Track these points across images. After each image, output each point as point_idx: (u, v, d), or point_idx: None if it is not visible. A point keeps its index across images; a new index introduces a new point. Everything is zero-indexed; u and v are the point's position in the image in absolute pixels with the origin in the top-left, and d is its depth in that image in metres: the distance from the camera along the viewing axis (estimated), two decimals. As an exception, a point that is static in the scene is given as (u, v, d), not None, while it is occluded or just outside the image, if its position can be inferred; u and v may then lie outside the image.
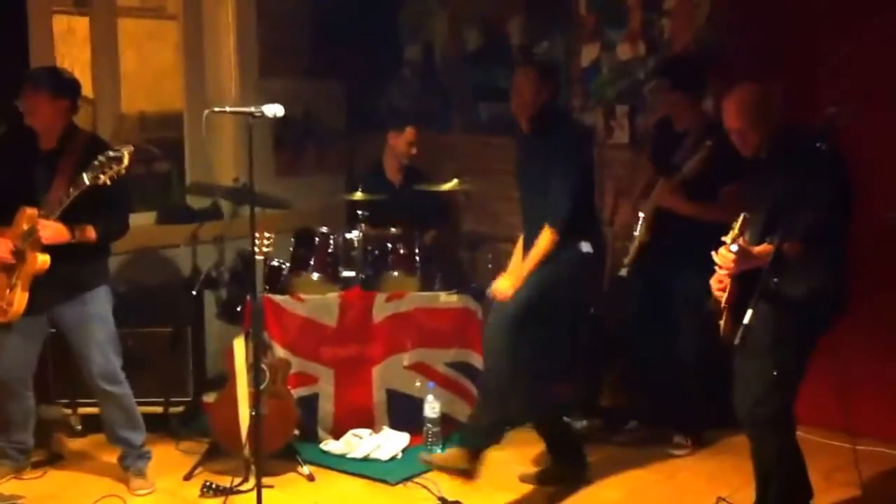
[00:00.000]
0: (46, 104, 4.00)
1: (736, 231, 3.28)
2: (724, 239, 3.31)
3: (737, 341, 3.12)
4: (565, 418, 4.45)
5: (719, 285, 3.46)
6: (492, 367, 4.21)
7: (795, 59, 4.62)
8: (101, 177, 3.77)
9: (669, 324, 4.52)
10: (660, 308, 4.54)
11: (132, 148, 3.82)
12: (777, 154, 3.41)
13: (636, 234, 4.49)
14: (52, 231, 3.88)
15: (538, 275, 4.02)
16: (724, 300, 3.41)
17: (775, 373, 3.34)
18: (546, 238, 3.99)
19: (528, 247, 4.12)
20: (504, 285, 4.09)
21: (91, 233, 3.97)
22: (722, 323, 3.44)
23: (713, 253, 3.38)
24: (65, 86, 4.06)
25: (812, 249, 3.27)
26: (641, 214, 4.49)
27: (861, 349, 4.42)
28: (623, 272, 4.68)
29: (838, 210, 3.33)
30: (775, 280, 3.21)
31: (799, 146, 3.31)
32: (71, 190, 3.84)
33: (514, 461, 4.45)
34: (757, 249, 3.29)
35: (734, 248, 3.26)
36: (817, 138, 3.27)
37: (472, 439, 4.14)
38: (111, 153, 3.78)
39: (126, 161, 3.76)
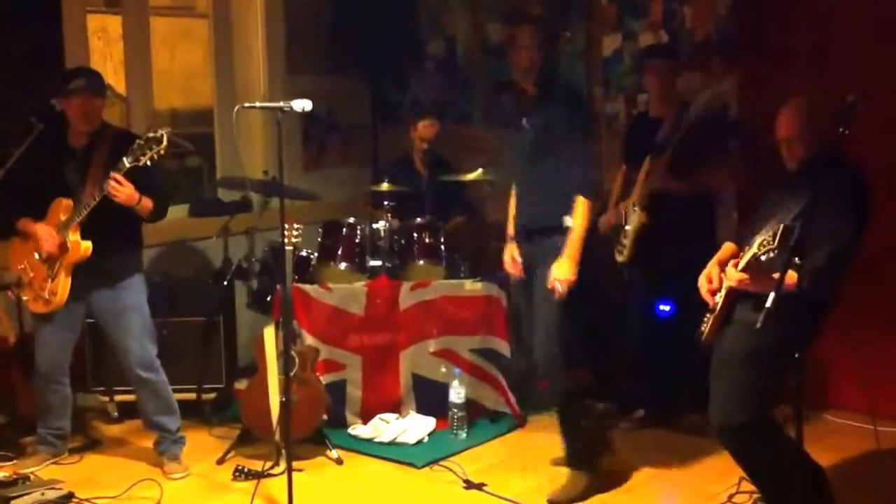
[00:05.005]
0: (101, 107, 4.12)
1: (775, 244, 3.05)
2: (754, 249, 3.15)
3: (759, 325, 2.95)
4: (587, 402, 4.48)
5: (709, 286, 3.40)
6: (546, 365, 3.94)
7: (812, 47, 4.65)
8: (142, 158, 3.83)
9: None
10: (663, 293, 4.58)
11: (169, 129, 3.88)
12: (811, 168, 3.32)
13: (628, 226, 4.58)
14: (126, 190, 3.92)
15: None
16: (717, 304, 3.35)
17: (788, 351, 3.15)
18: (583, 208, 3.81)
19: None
20: (564, 272, 3.78)
21: (149, 203, 4.05)
22: (707, 327, 3.41)
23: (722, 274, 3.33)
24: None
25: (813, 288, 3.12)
26: (631, 206, 4.57)
27: (882, 331, 4.45)
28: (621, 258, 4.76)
29: (851, 247, 3.23)
30: (797, 261, 3.02)
31: (830, 166, 3.22)
32: (112, 174, 3.89)
33: (539, 444, 4.52)
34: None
35: (763, 258, 3.10)
36: (838, 125, 3.28)
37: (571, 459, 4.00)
38: (150, 134, 3.85)
39: (165, 141, 3.82)
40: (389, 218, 4.92)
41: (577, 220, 3.81)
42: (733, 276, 3.27)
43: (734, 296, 3.36)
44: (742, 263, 3.28)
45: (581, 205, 3.81)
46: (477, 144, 5.91)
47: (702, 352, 3.49)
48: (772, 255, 3.09)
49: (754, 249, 3.17)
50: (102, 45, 6.26)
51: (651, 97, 4.81)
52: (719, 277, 3.40)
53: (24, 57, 4.91)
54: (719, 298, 3.40)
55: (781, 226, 3.07)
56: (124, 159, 3.87)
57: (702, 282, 3.46)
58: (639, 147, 4.70)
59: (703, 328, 3.45)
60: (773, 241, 3.07)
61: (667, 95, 4.71)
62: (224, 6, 5.95)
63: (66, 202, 4.05)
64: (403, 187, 5.13)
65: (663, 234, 4.44)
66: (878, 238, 3.42)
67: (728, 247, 3.56)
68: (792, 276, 3.00)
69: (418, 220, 4.93)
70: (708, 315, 3.45)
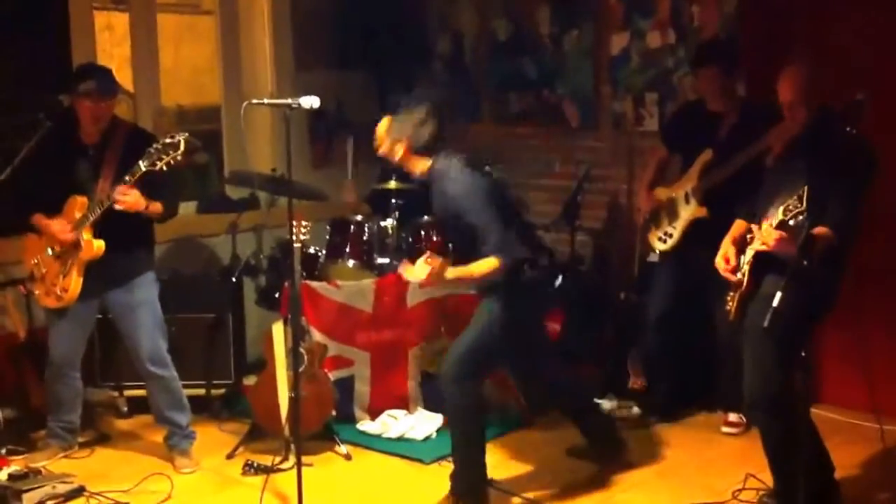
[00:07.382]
0: (111, 108, 4.13)
1: (804, 206, 3.07)
2: (779, 215, 3.17)
3: (766, 324, 3.05)
4: (595, 401, 4.53)
5: (727, 266, 3.43)
6: (451, 420, 3.99)
7: (819, 46, 4.67)
8: (158, 163, 3.85)
9: (708, 303, 4.48)
10: (697, 288, 4.49)
11: (187, 135, 3.89)
12: (814, 134, 3.38)
13: (679, 216, 4.50)
14: (131, 199, 3.93)
15: (482, 319, 3.91)
16: (743, 284, 3.39)
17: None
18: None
19: None
20: (421, 272, 3.73)
21: (158, 207, 4.07)
22: (732, 306, 3.44)
23: (756, 228, 3.34)
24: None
25: (839, 239, 3.22)
26: (682, 195, 4.51)
27: (886, 330, 4.46)
28: (654, 258, 4.76)
29: (861, 204, 3.30)
30: (805, 262, 3.13)
31: (836, 131, 3.29)
32: (127, 178, 3.91)
33: (546, 441, 4.56)
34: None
35: (792, 222, 3.13)
36: (847, 123, 3.30)
37: (456, 486, 3.94)
38: (167, 140, 3.85)
39: (182, 147, 3.83)
40: (397, 215, 4.94)
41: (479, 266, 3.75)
42: (771, 235, 3.22)
43: (757, 270, 3.36)
44: (766, 227, 3.27)
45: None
46: (484, 142, 5.92)
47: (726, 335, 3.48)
48: (801, 217, 3.10)
49: (780, 216, 3.17)
50: (109, 42, 6.27)
51: (708, 97, 4.57)
52: (736, 256, 3.42)
53: (32, 53, 4.93)
54: (742, 275, 3.41)
55: (806, 187, 3.08)
56: (140, 163, 3.87)
57: (719, 262, 3.47)
58: (690, 137, 4.57)
59: (728, 307, 3.47)
60: (801, 203, 3.07)
61: (726, 95, 4.52)
62: (230, 3, 5.95)
63: (82, 199, 4.06)
64: (407, 184, 5.14)
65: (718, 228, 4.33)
66: (884, 236, 3.44)
67: (740, 224, 3.57)
68: (822, 230, 3.10)
69: (426, 218, 4.94)
70: (732, 294, 3.46)
